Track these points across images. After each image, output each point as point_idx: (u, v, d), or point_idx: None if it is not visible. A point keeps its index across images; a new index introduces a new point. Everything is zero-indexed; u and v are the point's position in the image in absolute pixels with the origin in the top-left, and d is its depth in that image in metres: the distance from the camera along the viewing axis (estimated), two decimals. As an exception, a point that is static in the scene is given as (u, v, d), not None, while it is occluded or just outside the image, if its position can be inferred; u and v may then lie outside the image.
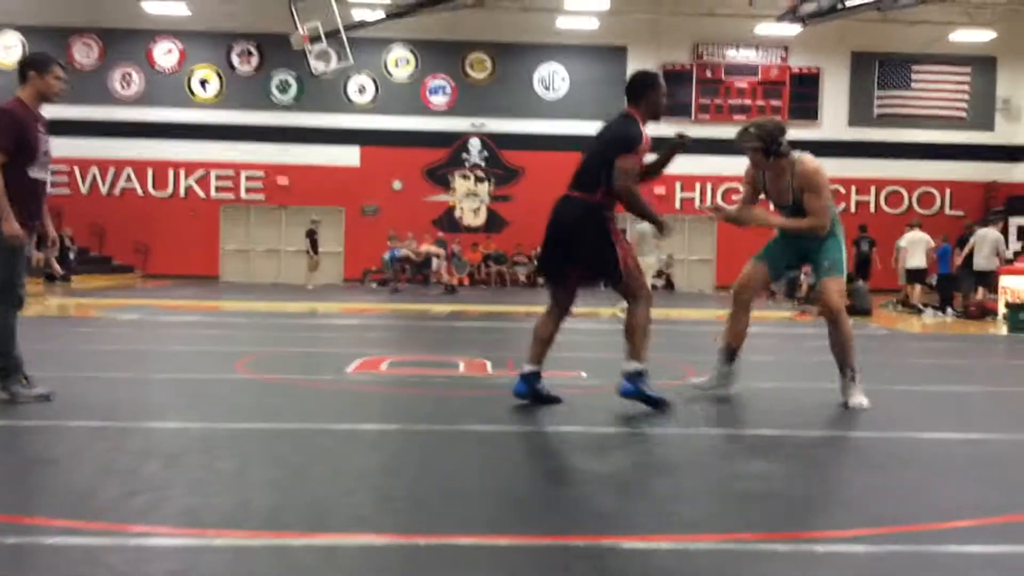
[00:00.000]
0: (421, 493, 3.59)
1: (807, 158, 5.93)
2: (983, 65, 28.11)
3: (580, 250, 5.47)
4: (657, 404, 5.39)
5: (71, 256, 24.59)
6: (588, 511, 3.38)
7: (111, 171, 27.45)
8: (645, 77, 5.67)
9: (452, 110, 27.78)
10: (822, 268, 5.92)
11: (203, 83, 27.71)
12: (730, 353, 6.15)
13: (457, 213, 28.02)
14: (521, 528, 3.12)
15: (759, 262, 6.14)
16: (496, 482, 3.76)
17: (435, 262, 26.04)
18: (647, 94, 5.54)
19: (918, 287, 18.56)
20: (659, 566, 2.80)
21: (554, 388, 5.95)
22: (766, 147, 5.85)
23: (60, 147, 27.73)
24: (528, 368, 5.59)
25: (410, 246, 24.51)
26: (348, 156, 27.63)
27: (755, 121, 6.03)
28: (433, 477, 3.87)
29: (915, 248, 18.62)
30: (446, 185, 27.91)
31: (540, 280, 25.58)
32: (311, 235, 23.20)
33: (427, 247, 22.91)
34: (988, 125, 28.34)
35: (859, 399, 5.84)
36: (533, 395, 5.60)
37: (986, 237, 16.79)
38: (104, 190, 27.49)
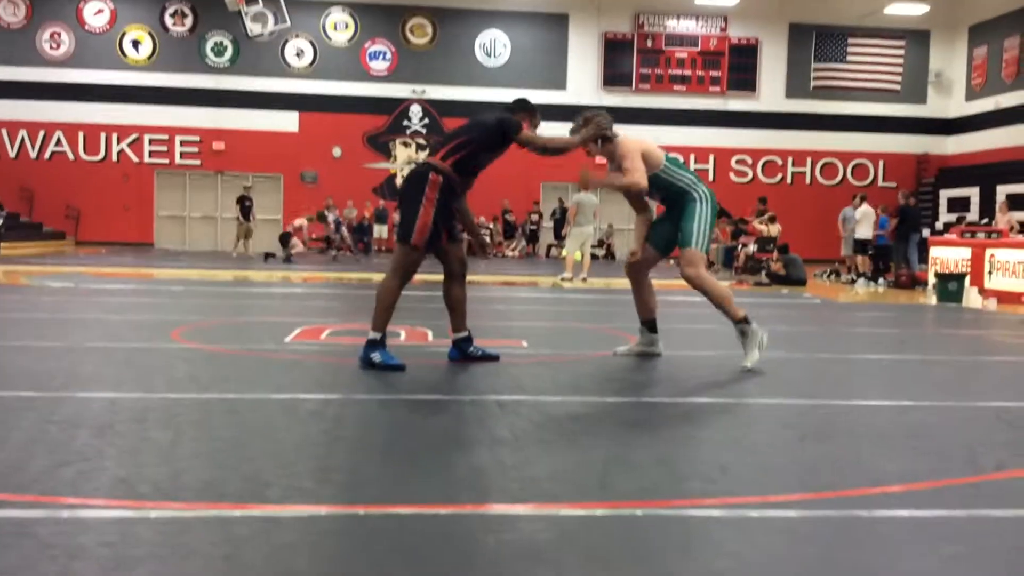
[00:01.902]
0: (362, 463, 3.57)
1: (622, 136, 6.08)
2: (917, 39, 28.61)
3: (400, 204, 5.93)
4: (393, 370, 5.57)
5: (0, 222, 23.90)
6: (530, 479, 3.39)
7: (40, 134, 26.67)
8: (524, 102, 6.02)
9: (392, 76, 27.48)
10: (679, 240, 6.10)
11: (135, 44, 26.98)
12: (648, 325, 6.45)
13: (398, 181, 27.80)
14: (464, 497, 3.13)
15: (646, 242, 6.35)
16: (438, 451, 3.76)
17: (376, 228, 25.83)
18: (521, 114, 5.86)
19: (865, 257, 19.05)
20: (597, 530, 2.84)
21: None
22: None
23: (-15, 109, 26.08)
24: (455, 336, 6.00)
25: (350, 214, 24.34)
26: (286, 121, 27.20)
27: (584, 112, 6.22)
28: (374, 447, 3.85)
29: (865, 220, 19.10)
30: (387, 152, 27.66)
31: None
32: (241, 201, 22.80)
33: (301, 221, 22.07)
34: (921, 98, 28.90)
35: (750, 357, 5.92)
36: (466, 358, 5.98)
37: None
38: (33, 154, 26.71)
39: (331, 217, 22.31)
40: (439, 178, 5.61)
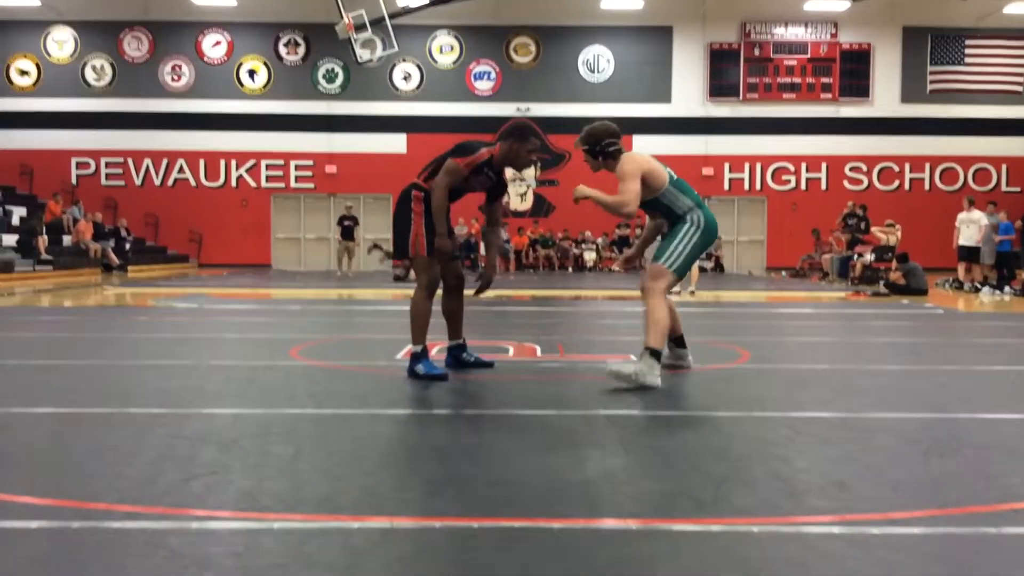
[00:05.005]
0: (474, 477, 3.61)
1: (626, 155, 5.91)
2: (1039, 38, 27.43)
3: (394, 225, 6.21)
4: (436, 379, 5.83)
5: (127, 246, 25.08)
6: (642, 494, 3.38)
7: (164, 162, 27.91)
8: (514, 128, 6.12)
9: (497, 95, 27.79)
10: (655, 253, 6.00)
11: (251, 74, 28.02)
12: (676, 342, 6.36)
13: (504, 198, 28.02)
14: (577, 512, 3.13)
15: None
16: (549, 466, 3.77)
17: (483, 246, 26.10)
18: (509, 140, 6.01)
19: (973, 266, 18.30)
20: (712, 547, 2.81)
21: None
22: (590, 148, 6.00)
23: (114, 140, 28.39)
24: (450, 343, 6.43)
25: (460, 232, 24.65)
26: (395, 143, 27.79)
27: (589, 126, 6.12)
28: (486, 460, 3.89)
29: (972, 225, 18.37)
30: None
31: (597, 264, 25.51)
32: (341, 222, 23.41)
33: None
34: (1045, 99, 27.69)
35: (623, 367, 5.66)
36: (460, 364, 6.35)
37: None
38: (157, 181, 27.97)
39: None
40: (421, 194, 6.05)
